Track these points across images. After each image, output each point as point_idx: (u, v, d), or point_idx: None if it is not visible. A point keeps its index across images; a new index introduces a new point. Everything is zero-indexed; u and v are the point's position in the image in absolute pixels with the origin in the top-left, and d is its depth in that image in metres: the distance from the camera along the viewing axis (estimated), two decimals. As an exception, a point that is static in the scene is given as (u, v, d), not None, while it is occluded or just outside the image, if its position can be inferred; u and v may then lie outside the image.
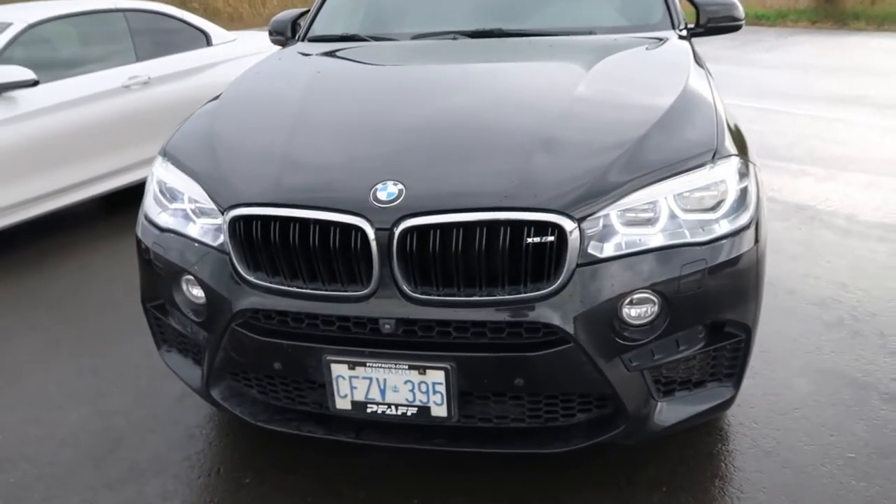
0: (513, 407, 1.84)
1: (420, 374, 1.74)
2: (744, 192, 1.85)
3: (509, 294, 1.69)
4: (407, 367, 1.74)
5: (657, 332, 1.75)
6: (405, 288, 1.70)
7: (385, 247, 1.68)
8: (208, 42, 5.50)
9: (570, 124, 1.91)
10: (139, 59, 4.91)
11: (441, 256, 1.67)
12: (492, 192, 1.69)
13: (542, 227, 1.65)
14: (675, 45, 2.53)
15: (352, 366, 1.77)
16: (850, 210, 4.29)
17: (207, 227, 1.95)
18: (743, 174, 1.87)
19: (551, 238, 1.65)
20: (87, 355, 3.03)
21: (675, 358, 1.82)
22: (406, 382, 1.76)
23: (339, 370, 1.78)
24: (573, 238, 1.65)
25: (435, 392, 1.75)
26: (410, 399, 1.78)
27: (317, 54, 2.76)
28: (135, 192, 5.11)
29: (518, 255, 1.66)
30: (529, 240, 1.64)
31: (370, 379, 1.77)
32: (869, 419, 2.37)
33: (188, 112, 5.01)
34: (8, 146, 4.02)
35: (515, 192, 1.68)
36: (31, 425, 2.57)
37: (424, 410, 1.78)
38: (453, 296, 1.70)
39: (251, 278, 1.82)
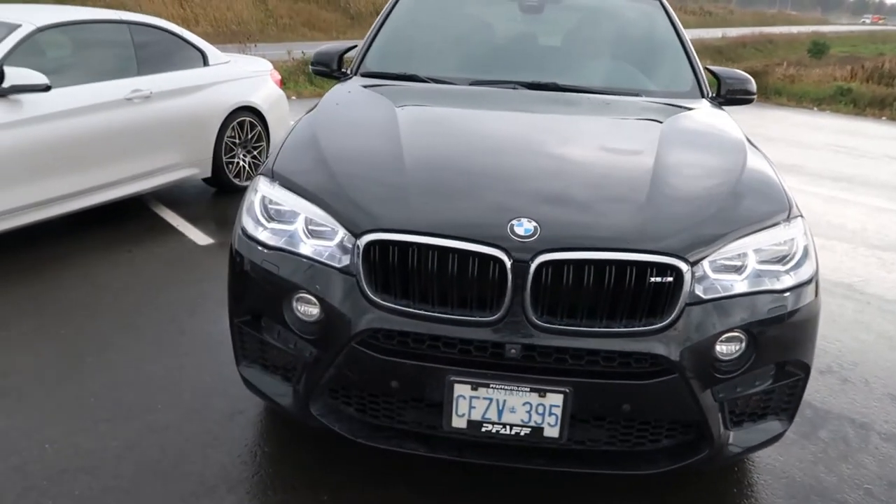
0: (608, 431, 2.01)
1: (540, 396, 1.89)
2: (807, 248, 2.13)
3: (625, 327, 1.87)
4: (528, 389, 1.88)
5: (743, 368, 1.98)
6: (532, 316, 1.86)
7: (520, 277, 1.84)
8: (205, 61, 5.51)
9: (665, 178, 2.14)
10: (141, 72, 4.88)
11: (571, 289, 1.84)
12: (618, 235, 1.89)
13: (662, 269, 1.86)
14: (719, 114, 2.85)
15: (475, 386, 1.89)
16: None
17: (322, 248, 2.04)
18: (806, 232, 2.15)
19: (670, 278, 1.86)
20: (117, 369, 2.99)
21: (751, 392, 2.05)
22: (525, 404, 1.90)
23: (461, 390, 1.90)
24: (687, 279, 1.87)
25: (551, 414, 1.90)
26: (526, 420, 1.92)
27: (387, 90, 2.90)
28: (125, 205, 5.03)
29: (638, 291, 1.85)
30: (652, 279, 1.84)
31: (490, 399, 1.90)
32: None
33: (185, 129, 5.07)
34: (10, 150, 3.91)
35: (638, 236, 1.89)
36: (81, 438, 2.51)
37: (537, 431, 1.93)
38: (575, 325, 1.87)
39: (378, 299, 1.92)
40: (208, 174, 5.50)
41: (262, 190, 2.22)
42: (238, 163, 5.72)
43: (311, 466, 2.43)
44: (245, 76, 5.82)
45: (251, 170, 5.85)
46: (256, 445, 2.53)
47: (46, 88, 4.00)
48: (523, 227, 1.88)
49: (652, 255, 1.85)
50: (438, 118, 2.65)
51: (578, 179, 2.13)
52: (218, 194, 5.76)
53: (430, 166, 2.18)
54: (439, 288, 1.89)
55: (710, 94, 3.16)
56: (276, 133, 6.05)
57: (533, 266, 1.83)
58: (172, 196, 5.58)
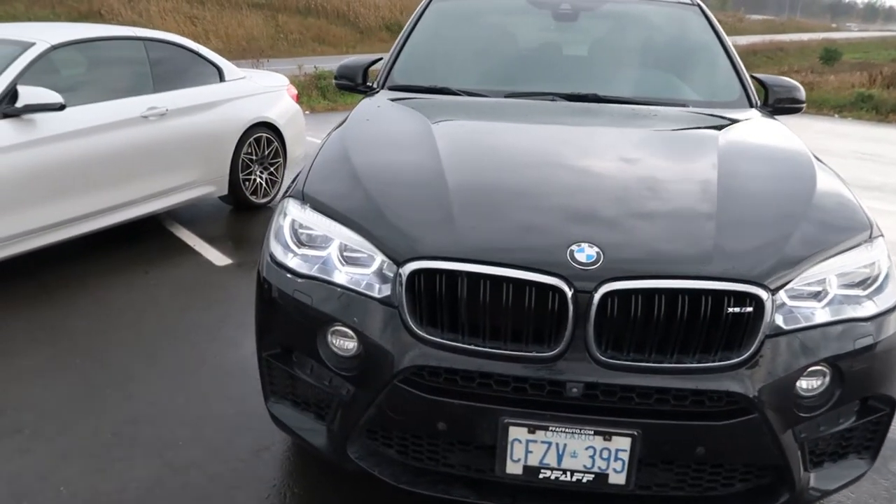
0: (677, 474, 1.82)
1: (605, 440, 1.70)
2: (890, 270, 1.94)
3: (698, 362, 1.69)
4: (592, 432, 1.70)
5: (827, 405, 1.79)
6: (595, 352, 1.68)
7: (582, 309, 1.66)
8: (221, 77, 5.38)
9: (733, 197, 1.96)
10: (156, 89, 4.76)
11: (640, 321, 1.66)
12: (690, 260, 1.71)
13: (741, 297, 1.67)
14: (775, 124, 2.66)
15: (532, 429, 1.71)
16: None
17: (359, 277, 1.87)
18: (888, 254, 1.96)
19: (749, 308, 1.67)
20: (136, 402, 2.82)
21: (835, 430, 1.85)
22: (588, 448, 1.71)
23: (516, 433, 1.72)
24: (768, 309, 1.68)
25: (617, 459, 1.72)
26: (588, 465, 1.73)
27: (418, 104, 2.74)
28: (140, 225, 4.90)
29: (714, 323, 1.67)
30: (730, 309, 1.66)
31: (549, 443, 1.72)
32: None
33: (202, 146, 4.93)
34: (24, 171, 3.78)
35: (713, 262, 1.71)
36: (98, 479, 2.35)
37: (601, 478, 1.74)
38: (643, 361, 1.69)
39: (423, 333, 1.75)
40: (225, 192, 5.35)
41: (292, 213, 2.06)
42: (255, 180, 5.58)
43: (346, 510, 2.25)
44: (261, 91, 5.69)
45: (268, 187, 5.72)
46: (285, 486, 2.36)
47: (61, 107, 3.87)
48: (584, 252, 1.70)
49: (729, 283, 1.67)
50: (478, 134, 2.48)
51: (639, 199, 1.95)
52: (234, 212, 5.62)
53: (476, 187, 2.00)
54: (491, 321, 1.71)
55: (757, 104, 2.98)
56: (293, 149, 5.92)
57: (597, 296, 1.65)
58: (188, 214, 5.44)
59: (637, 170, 2.13)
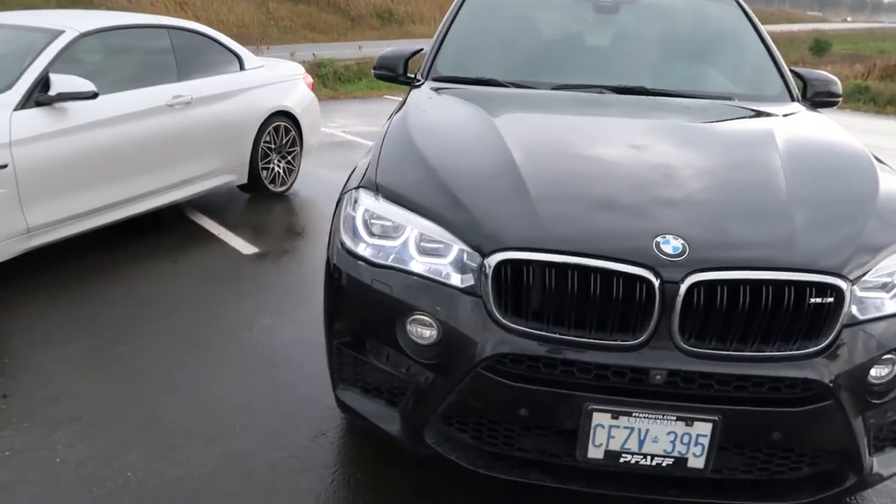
0: (747, 458, 1.88)
1: (687, 425, 1.75)
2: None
3: (778, 350, 1.74)
4: (675, 418, 1.75)
5: (896, 392, 1.85)
6: (679, 340, 1.73)
7: (668, 299, 1.71)
8: (241, 66, 5.37)
9: (802, 190, 2.00)
10: (180, 78, 4.75)
11: (724, 311, 1.71)
12: (772, 251, 1.76)
13: (822, 288, 1.72)
14: (823, 119, 2.71)
15: (615, 415, 1.76)
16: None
17: (438, 266, 1.90)
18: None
19: (830, 299, 1.73)
20: (184, 390, 2.85)
21: (900, 416, 1.92)
22: (669, 433, 1.77)
23: (600, 419, 1.77)
24: (847, 299, 1.74)
25: (697, 444, 1.77)
26: (669, 450, 1.78)
27: (469, 95, 2.77)
28: (161, 213, 4.90)
29: (796, 313, 1.72)
30: (812, 300, 1.71)
31: (631, 429, 1.77)
32: None
33: (225, 134, 4.92)
34: (57, 159, 3.77)
35: (795, 252, 1.76)
36: (163, 465, 2.38)
37: (681, 462, 1.79)
38: (724, 349, 1.74)
39: (507, 322, 1.79)
40: (244, 180, 5.37)
41: (365, 203, 2.08)
42: (273, 168, 5.59)
43: (412, 496, 2.29)
44: (280, 80, 5.69)
45: (285, 175, 5.73)
46: (347, 472, 2.40)
47: (94, 96, 3.86)
48: (670, 244, 1.75)
49: (812, 274, 1.72)
50: (541, 125, 2.51)
51: (714, 191, 1.99)
52: (252, 201, 5.63)
53: (551, 179, 2.04)
54: (577, 310, 1.75)
55: (798, 97, 3.03)
56: (309, 138, 5.93)
57: (683, 287, 1.70)
58: (207, 203, 5.44)
59: (705, 162, 2.17)
